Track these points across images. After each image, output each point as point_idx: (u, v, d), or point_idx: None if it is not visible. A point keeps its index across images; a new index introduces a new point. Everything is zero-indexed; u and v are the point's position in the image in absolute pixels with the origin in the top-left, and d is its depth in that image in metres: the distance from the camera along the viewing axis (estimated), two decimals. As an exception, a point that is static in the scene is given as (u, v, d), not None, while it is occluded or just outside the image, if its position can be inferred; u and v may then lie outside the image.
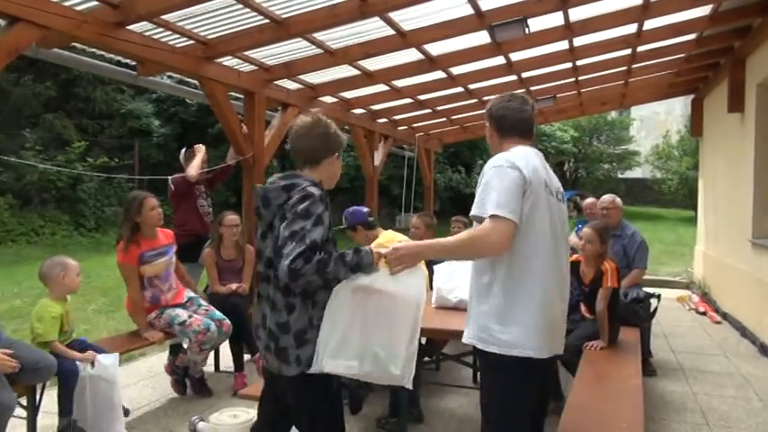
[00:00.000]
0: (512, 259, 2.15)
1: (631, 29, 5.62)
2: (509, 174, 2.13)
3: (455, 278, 3.89)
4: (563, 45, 5.87)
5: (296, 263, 1.98)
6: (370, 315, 2.21)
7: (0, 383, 2.85)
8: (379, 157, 8.29)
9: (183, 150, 5.09)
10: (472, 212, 2.18)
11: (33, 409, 3.26)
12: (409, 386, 2.29)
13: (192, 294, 4.36)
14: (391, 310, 2.23)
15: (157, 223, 4.06)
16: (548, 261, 2.20)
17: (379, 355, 2.22)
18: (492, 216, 2.07)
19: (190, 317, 4.05)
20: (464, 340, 2.32)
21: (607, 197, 5.20)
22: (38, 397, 3.29)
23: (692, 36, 6.29)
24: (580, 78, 7.35)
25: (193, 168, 4.80)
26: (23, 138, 13.45)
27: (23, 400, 3.19)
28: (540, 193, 2.18)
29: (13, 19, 3.07)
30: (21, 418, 3.20)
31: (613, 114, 24.16)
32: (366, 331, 2.21)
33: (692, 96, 9.58)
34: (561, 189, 2.41)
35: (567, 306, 2.38)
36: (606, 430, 2.62)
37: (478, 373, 3.32)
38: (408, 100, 7.25)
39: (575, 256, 4.21)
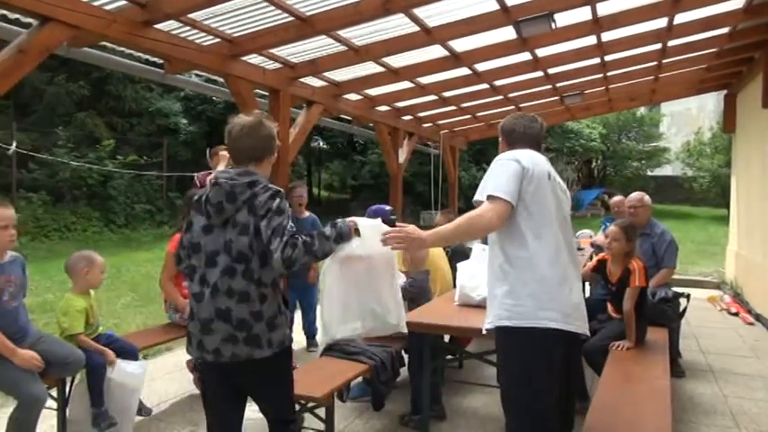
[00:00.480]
0: (521, 237, 2.33)
1: (662, 23, 5.50)
2: (508, 164, 2.37)
3: (477, 276, 3.86)
4: (591, 40, 5.77)
5: (286, 252, 2.18)
6: (360, 279, 2.53)
7: (31, 377, 2.94)
8: (403, 155, 8.27)
9: (209, 150, 5.16)
10: (474, 198, 2.42)
11: (63, 401, 3.34)
12: (404, 330, 2.73)
13: None
14: (374, 269, 2.55)
15: None
16: (556, 237, 2.36)
17: (375, 310, 2.58)
18: (488, 197, 2.31)
19: None
20: (484, 326, 2.47)
21: (635, 195, 5.09)
22: (67, 389, 3.37)
23: (724, 30, 6.13)
24: (608, 74, 7.22)
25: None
26: (56, 136, 13.77)
27: (53, 392, 3.28)
28: (542, 180, 2.38)
29: (44, 19, 3.13)
30: (51, 409, 3.28)
31: (642, 110, 23.65)
32: (360, 294, 2.55)
33: (724, 92, 9.35)
34: (562, 184, 2.58)
35: (581, 284, 2.53)
36: (632, 432, 2.57)
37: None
38: (433, 97, 7.22)
39: (601, 255, 4.15)
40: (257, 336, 2.28)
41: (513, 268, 2.34)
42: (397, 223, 2.53)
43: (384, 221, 3.76)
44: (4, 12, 3.44)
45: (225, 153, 5.12)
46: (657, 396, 2.91)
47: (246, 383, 2.43)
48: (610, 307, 4.06)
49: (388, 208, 4.40)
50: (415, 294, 4.00)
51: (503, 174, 2.35)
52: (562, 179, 2.63)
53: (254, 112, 2.53)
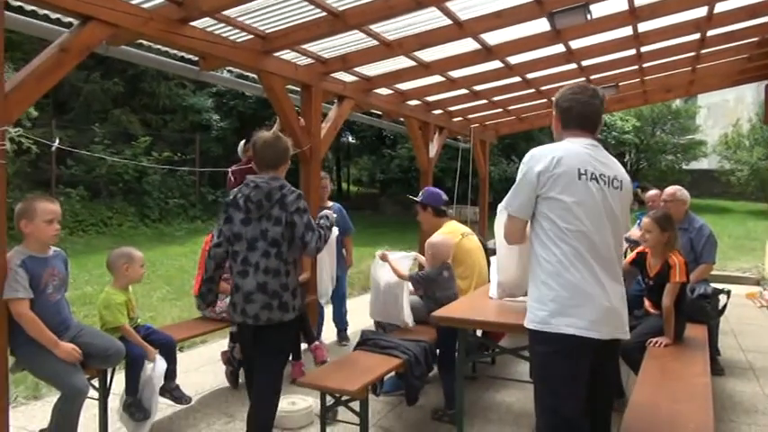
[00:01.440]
0: (545, 242, 2.34)
1: (701, 12, 5.35)
2: (524, 170, 2.38)
3: (510, 269, 3.82)
4: (627, 31, 5.64)
5: (318, 243, 2.99)
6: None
7: (73, 368, 3.02)
8: (434, 149, 8.24)
9: (242, 143, 5.21)
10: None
11: (104, 392, 3.43)
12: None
13: None
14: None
15: None
16: (587, 238, 2.29)
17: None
18: (508, 214, 2.48)
19: None
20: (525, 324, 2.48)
21: (669, 189, 4.97)
22: (108, 380, 3.46)
23: (766, 18, 5.92)
24: (644, 65, 7.05)
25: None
26: (93, 132, 14.10)
27: (95, 382, 3.37)
28: (570, 180, 2.30)
29: (85, 18, 3.20)
30: (93, 399, 3.38)
31: (678, 103, 23.05)
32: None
33: (765, 82, 9.06)
34: (619, 176, 2.44)
35: (619, 287, 2.40)
36: (673, 431, 2.52)
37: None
38: (464, 91, 7.16)
39: (641, 248, 4.05)
40: (286, 303, 2.96)
41: (542, 271, 2.35)
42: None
43: (433, 207, 4.79)
44: (47, 11, 3.52)
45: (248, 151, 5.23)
46: (698, 394, 2.85)
47: (273, 339, 3.03)
48: (647, 302, 3.98)
49: (445, 198, 4.77)
50: (425, 286, 4.09)
51: (517, 186, 2.41)
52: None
53: (273, 130, 3.36)
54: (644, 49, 6.29)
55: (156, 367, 3.44)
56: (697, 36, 6.06)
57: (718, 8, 5.27)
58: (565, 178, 2.30)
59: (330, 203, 5.50)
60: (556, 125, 2.55)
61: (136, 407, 3.36)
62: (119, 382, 3.49)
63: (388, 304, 4.23)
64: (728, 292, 4.69)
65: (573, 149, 2.38)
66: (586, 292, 2.27)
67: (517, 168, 2.46)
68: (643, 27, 5.59)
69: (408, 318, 4.15)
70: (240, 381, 4.36)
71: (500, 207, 2.59)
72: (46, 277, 3.03)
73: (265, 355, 3.04)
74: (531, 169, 2.34)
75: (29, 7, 3.31)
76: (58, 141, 3.62)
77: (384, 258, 4.24)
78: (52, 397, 4.10)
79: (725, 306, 4.66)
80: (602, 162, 2.40)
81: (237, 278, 2.98)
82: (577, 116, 2.46)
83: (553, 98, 2.58)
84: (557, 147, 2.40)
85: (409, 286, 4.20)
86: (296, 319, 3.07)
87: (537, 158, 2.35)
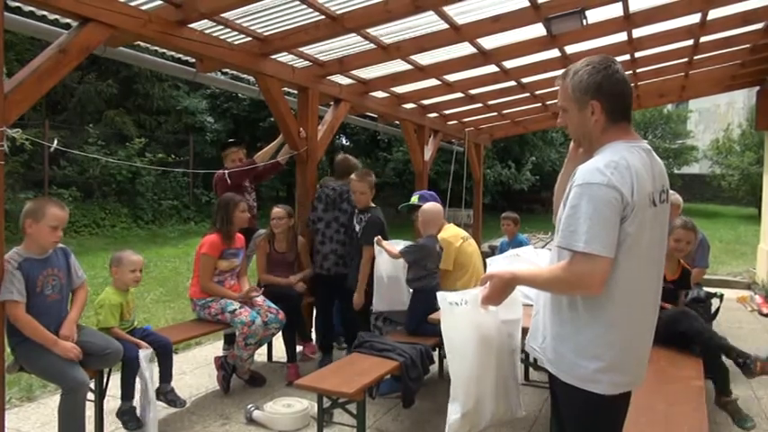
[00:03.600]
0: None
1: (695, 18, 5.41)
2: (604, 196, 1.71)
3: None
4: (621, 37, 5.70)
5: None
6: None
7: (71, 364, 3.02)
8: (429, 152, 8.27)
9: (230, 147, 5.27)
10: (559, 242, 1.80)
11: (100, 392, 3.42)
12: None
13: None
14: None
15: (242, 225, 4.48)
16: (642, 289, 1.87)
17: None
18: (583, 254, 1.72)
19: (241, 307, 4.21)
20: (535, 354, 2.08)
21: None
22: (104, 382, 3.45)
23: (759, 25, 6.00)
24: (638, 71, 7.12)
25: (281, 156, 5.27)
26: (87, 133, 14.05)
27: (91, 384, 3.35)
28: (644, 212, 1.78)
29: (84, 20, 3.20)
30: (89, 400, 3.36)
31: (669, 107, 23.26)
32: None
33: (756, 88, 9.15)
34: (666, 184, 1.95)
35: (653, 329, 1.98)
36: (668, 432, 2.55)
37: (540, 377, 3.27)
38: (459, 94, 7.19)
39: None
40: (346, 262, 4.68)
41: (584, 316, 1.87)
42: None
43: None
44: (45, 12, 3.52)
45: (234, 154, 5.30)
46: (692, 397, 2.89)
47: (340, 287, 4.75)
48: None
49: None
50: (417, 254, 4.17)
51: (597, 214, 1.71)
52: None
53: (342, 155, 5.27)
54: (638, 54, 6.36)
55: (150, 375, 3.43)
56: (690, 42, 6.13)
57: (712, 15, 5.34)
58: (640, 208, 1.77)
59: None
60: (597, 119, 1.86)
61: (130, 415, 3.36)
62: (116, 385, 3.48)
63: (392, 290, 4.40)
64: (721, 297, 4.74)
65: (636, 163, 1.79)
66: (631, 344, 1.91)
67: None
68: (637, 33, 5.65)
69: (408, 298, 4.31)
70: (232, 387, 4.36)
71: (577, 243, 1.73)
72: (42, 279, 3.03)
73: (336, 295, 4.88)
74: (619, 191, 1.72)
75: (26, 8, 3.31)
76: (56, 142, 3.59)
77: (379, 243, 4.37)
78: (46, 398, 4.11)
79: (717, 310, 4.70)
80: (655, 170, 1.90)
81: (319, 245, 4.86)
82: (626, 104, 1.88)
83: (571, 81, 1.88)
84: (625, 160, 1.78)
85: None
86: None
87: (613, 182, 1.72)
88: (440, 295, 2.16)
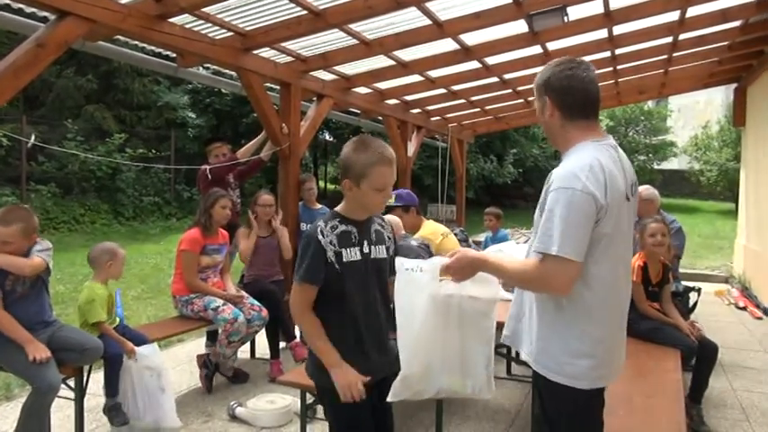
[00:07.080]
0: (581, 287, 1.84)
1: (674, 16, 5.48)
2: (578, 201, 1.75)
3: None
4: (602, 33, 5.76)
5: None
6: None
7: (47, 365, 2.98)
8: (412, 148, 8.29)
9: (213, 142, 5.28)
10: (536, 247, 1.82)
11: (81, 391, 3.38)
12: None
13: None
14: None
15: (223, 221, 4.41)
16: (619, 285, 1.93)
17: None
18: (555, 257, 1.75)
19: (224, 304, 4.20)
20: (523, 357, 2.08)
21: (639, 189, 5.04)
22: (84, 380, 3.41)
23: (736, 23, 6.10)
24: (618, 67, 7.20)
25: (264, 153, 5.24)
26: (66, 128, 13.83)
27: (71, 382, 3.32)
28: (620, 209, 1.84)
29: (62, 13, 3.16)
30: (69, 399, 3.33)
31: (650, 104, 23.56)
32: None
33: (734, 85, 9.31)
34: (635, 177, 2.01)
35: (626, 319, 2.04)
36: (646, 425, 2.59)
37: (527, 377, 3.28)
38: (442, 90, 7.22)
39: (639, 260, 3.87)
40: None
41: (568, 313, 1.92)
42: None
43: (416, 208, 4.46)
44: (21, 5, 3.46)
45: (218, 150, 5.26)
46: (670, 389, 2.94)
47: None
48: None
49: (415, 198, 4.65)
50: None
51: (571, 219, 1.75)
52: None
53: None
54: (618, 51, 6.42)
55: (140, 356, 3.41)
56: (669, 39, 6.21)
57: (690, 12, 5.42)
58: (614, 210, 1.81)
59: (319, 206, 5.51)
60: (550, 114, 1.93)
61: (115, 411, 3.33)
62: (97, 383, 3.44)
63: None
64: (699, 290, 4.82)
65: (608, 164, 1.83)
66: (611, 339, 1.97)
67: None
68: (618, 30, 5.71)
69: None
70: (215, 384, 4.34)
71: (551, 247, 1.77)
72: (12, 278, 3.01)
73: None
74: (593, 196, 1.75)
75: (2, 1, 3.25)
76: (34, 138, 3.54)
77: None
78: (24, 398, 4.05)
79: (696, 304, 4.79)
80: (624, 167, 1.93)
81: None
82: (583, 100, 1.91)
83: (536, 80, 2.00)
84: (597, 161, 1.81)
85: None
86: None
87: (588, 187, 1.75)
88: (397, 260, 2.14)
